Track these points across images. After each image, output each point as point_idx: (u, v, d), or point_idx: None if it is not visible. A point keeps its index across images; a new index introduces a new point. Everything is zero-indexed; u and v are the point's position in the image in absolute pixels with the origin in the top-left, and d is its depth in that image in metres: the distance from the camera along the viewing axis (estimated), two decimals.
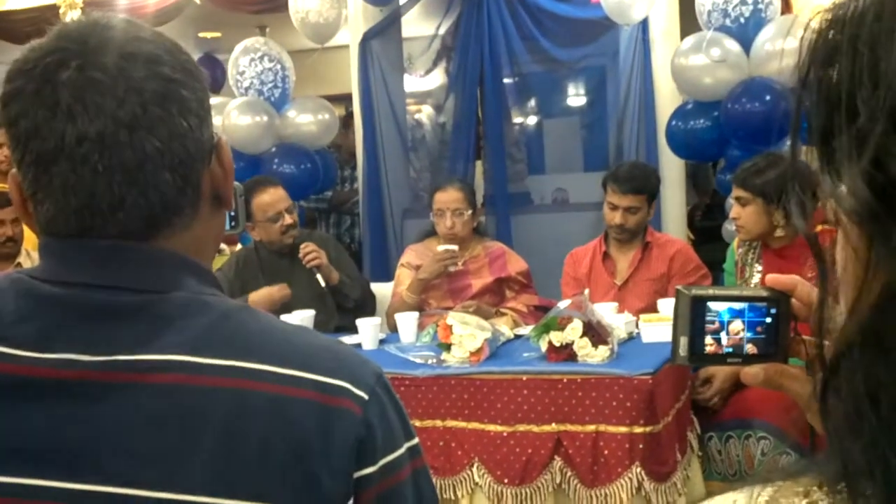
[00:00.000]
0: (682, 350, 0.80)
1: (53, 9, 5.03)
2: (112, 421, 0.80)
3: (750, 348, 0.78)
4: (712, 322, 0.78)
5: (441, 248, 3.71)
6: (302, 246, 3.69)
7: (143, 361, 0.81)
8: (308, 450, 0.81)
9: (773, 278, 0.76)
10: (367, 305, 3.85)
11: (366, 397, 0.85)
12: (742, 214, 3.18)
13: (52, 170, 0.82)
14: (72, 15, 4.89)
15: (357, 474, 0.84)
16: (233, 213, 1.16)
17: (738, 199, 3.20)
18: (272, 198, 3.71)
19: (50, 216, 0.84)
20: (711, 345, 0.79)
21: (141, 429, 0.80)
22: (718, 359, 0.80)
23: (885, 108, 0.38)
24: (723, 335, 0.78)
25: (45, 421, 0.80)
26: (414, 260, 3.89)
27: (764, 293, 0.78)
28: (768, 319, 0.78)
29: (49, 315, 0.83)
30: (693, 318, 0.78)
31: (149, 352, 0.81)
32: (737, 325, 0.78)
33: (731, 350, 0.79)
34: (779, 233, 3.15)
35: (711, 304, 0.78)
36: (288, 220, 3.74)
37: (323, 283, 3.69)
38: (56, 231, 0.85)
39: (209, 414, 0.80)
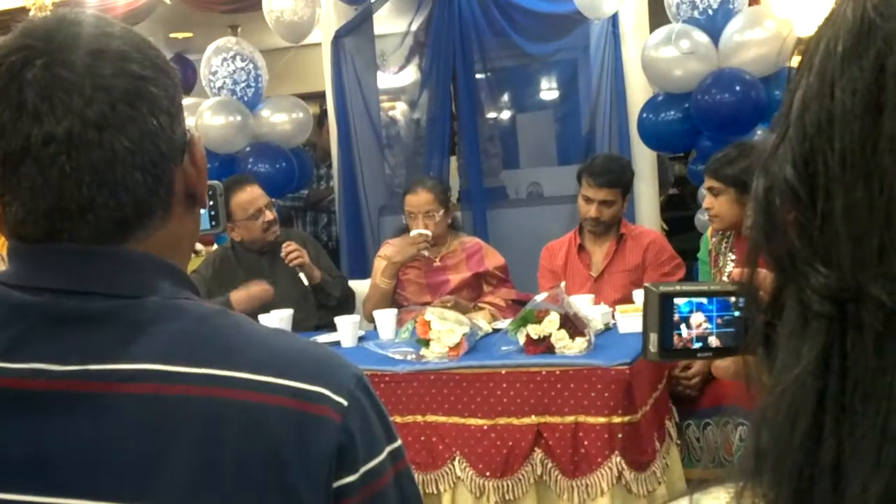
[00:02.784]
0: (653, 346, 0.81)
1: (24, 12, 4.99)
2: (83, 432, 0.77)
3: (718, 341, 0.80)
4: (680, 317, 0.80)
5: (415, 232, 3.71)
6: (284, 245, 3.68)
7: (116, 371, 0.79)
8: (285, 459, 0.79)
9: (740, 272, 0.79)
10: (348, 303, 3.86)
11: (345, 403, 0.82)
12: (715, 205, 3.21)
13: (20, 171, 0.79)
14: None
15: (337, 483, 0.81)
16: (213, 213, 1.14)
17: (710, 189, 3.22)
18: (250, 195, 3.70)
19: (19, 219, 0.82)
20: (681, 339, 0.80)
21: (113, 440, 0.77)
22: (689, 353, 0.82)
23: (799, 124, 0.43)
24: (684, 328, 0.80)
25: (13, 432, 0.78)
26: (391, 253, 3.91)
27: (730, 287, 0.81)
28: (736, 313, 0.79)
29: (18, 323, 0.80)
30: (662, 314, 0.80)
31: (121, 361, 0.79)
32: (702, 317, 0.80)
33: (700, 344, 0.80)
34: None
35: (679, 301, 0.79)
36: (269, 216, 3.73)
37: (306, 282, 3.69)
38: (25, 234, 0.82)
39: (183, 424, 0.78)
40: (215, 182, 1.14)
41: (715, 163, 3.23)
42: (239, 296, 3.59)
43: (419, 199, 3.76)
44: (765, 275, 0.47)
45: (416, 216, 3.75)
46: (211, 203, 1.13)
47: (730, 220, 3.22)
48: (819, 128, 0.41)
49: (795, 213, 0.43)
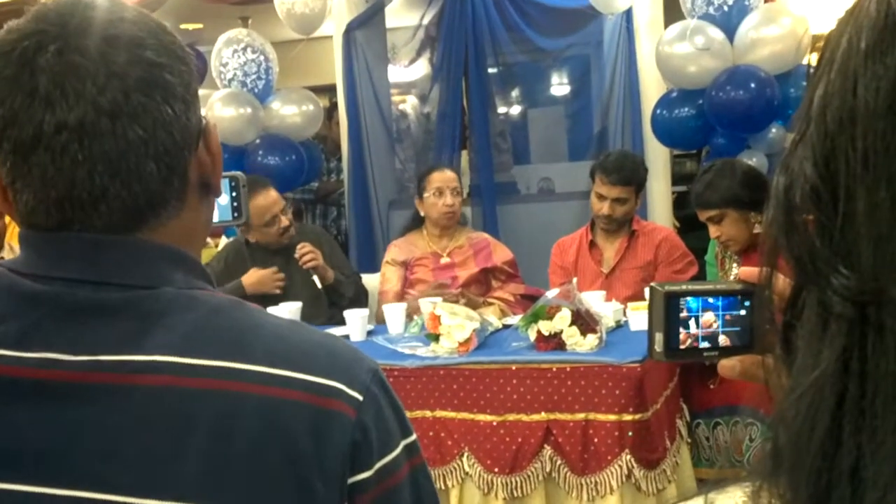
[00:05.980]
0: (658, 346, 0.80)
1: (34, 2, 4.99)
2: (95, 424, 0.76)
3: (725, 340, 0.79)
4: (686, 316, 0.79)
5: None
6: (298, 246, 3.66)
7: (129, 362, 0.77)
8: (300, 454, 0.78)
9: (746, 272, 0.78)
10: (361, 303, 3.83)
11: (360, 398, 0.82)
12: (722, 231, 3.18)
13: (31, 159, 0.77)
14: None
15: (352, 480, 0.80)
16: (235, 204, 1.12)
17: (709, 220, 3.19)
18: (266, 201, 3.65)
19: (30, 207, 0.80)
20: (687, 338, 0.79)
21: (126, 432, 0.76)
22: (695, 352, 0.80)
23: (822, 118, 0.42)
24: (692, 325, 0.79)
25: (25, 423, 0.76)
26: (398, 256, 3.89)
27: (737, 286, 0.79)
28: (742, 312, 0.78)
29: (30, 313, 0.79)
30: (667, 314, 0.79)
31: (135, 352, 0.78)
32: (709, 316, 0.79)
33: (707, 344, 0.79)
34: (758, 229, 3.15)
35: (685, 300, 0.79)
36: (284, 221, 3.70)
37: (319, 285, 3.68)
38: (37, 223, 0.81)
39: (197, 417, 0.77)
40: (238, 173, 1.12)
41: (697, 196, 3.20)
42: (250, 279, 3.64)
43: (447, 175, 3.81)
44: (782, 280, 0.46)
45: (445, 191, 3.76)
46: (234, 194, 1.12)
47: (743, 238, 3.18)
48: (841, 126, 0.40)
49: (816, 212, 0.42)
